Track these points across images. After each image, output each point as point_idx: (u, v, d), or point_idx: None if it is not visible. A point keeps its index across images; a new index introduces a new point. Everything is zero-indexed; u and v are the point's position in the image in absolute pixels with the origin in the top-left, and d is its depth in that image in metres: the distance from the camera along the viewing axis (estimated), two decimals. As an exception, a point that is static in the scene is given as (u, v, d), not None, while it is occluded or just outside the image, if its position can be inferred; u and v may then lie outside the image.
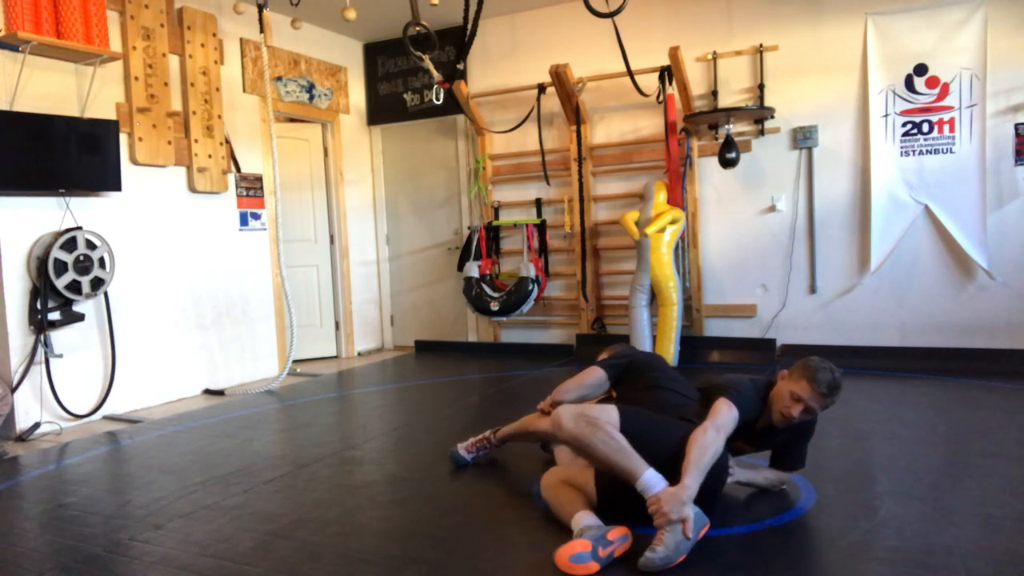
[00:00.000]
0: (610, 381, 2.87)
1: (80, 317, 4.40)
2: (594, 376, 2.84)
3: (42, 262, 4.17)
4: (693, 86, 5.57)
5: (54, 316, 4.26)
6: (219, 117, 5.30)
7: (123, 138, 4.67)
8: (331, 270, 6.63)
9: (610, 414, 2.42)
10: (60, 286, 4.20)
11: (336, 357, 6.66)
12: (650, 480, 2.27)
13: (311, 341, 6.49)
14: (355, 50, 6.85)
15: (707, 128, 5.58)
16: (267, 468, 3.34)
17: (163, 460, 3.55)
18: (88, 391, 4.53)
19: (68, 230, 4.29)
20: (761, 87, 5.40)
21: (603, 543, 2.16)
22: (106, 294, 4.55)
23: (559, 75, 5.63)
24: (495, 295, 5.97)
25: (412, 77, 6.71)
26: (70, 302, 4.35)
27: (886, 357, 5.11)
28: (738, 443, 2.69)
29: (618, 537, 2.20)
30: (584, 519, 2.30)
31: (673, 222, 5.30)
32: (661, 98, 5.49)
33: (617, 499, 2.42)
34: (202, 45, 5.20)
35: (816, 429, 2.74)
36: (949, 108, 4.95)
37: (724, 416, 2.44)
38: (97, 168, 4.37)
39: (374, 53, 6.89)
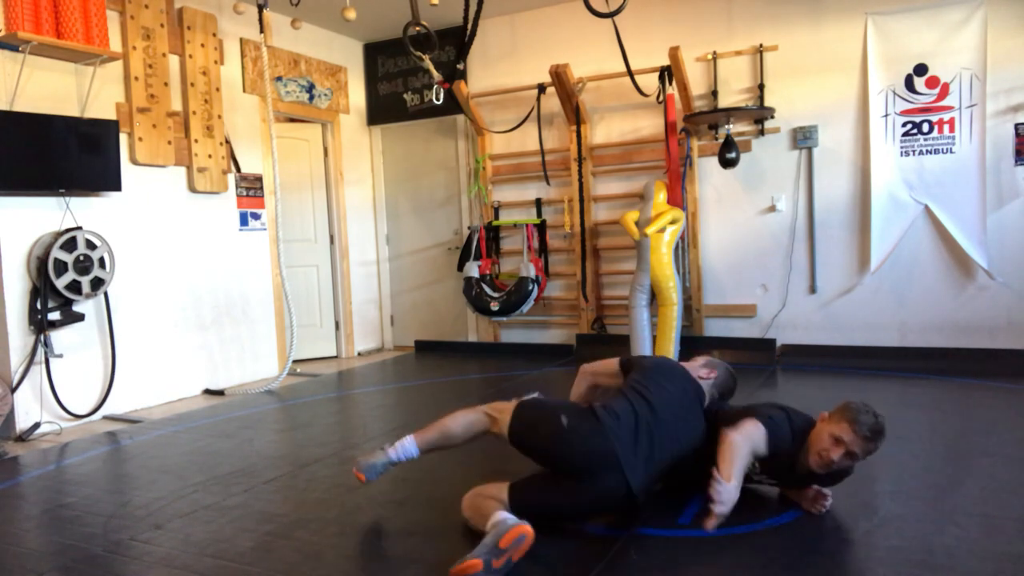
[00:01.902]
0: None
1: (80, 317, 4.40)
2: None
3: (42, 262, 4.17)
4: (693, 86, 5.57)
5: (54, 316, 4.26)
6: (219, 117, 5.30)
7: (123, 138, 4.67)
8: (331, 270, 6.63)
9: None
10: (60, 286, 4.20)
11: (336, 357, 6.66)
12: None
13: (311, 341, 6.49)
14: (355, 50, 6.85)
15: (707, 128, 5.58)
16: (267, 468, 3.34)
17: (163, 460, 3.55)
18: (88, 391, 4.53)
19: (68, 230, 4.29)
20: (761, 87, 5.40)
21: (495, 554, 2.09)
22: (106, 294, 4.55)
23: (559, 75, 5.63)
24: (495, 295, 5.97)
25: (412, 77, 6.71)
26: (70, 302, 4.35)
27: (886, 357, 5.11)
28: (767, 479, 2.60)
29: (512, 541, 2.12)
30: (496, 516, 2.24)
31: (673, 222, 5.30)
32: (661, 98, 5.49)
33: (530, 507, 2.35)
34: (202, 45, 5.20)
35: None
36: (949, 108, 4.95)
37: (750, 428, 2.37)
38: (97, 168, 4.37)
39: (374, 53, 6.89)
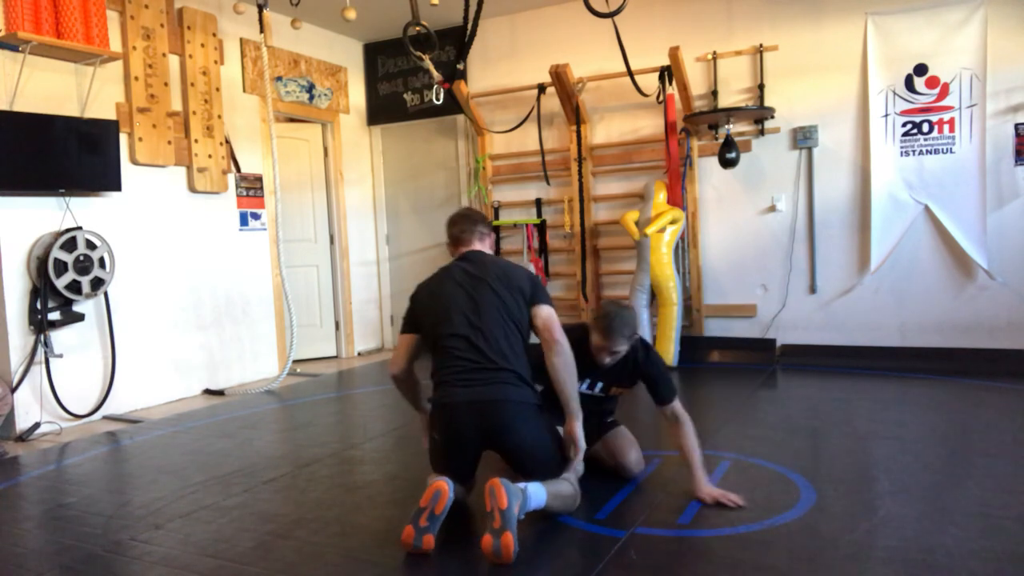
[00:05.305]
0: None
1: (80, 317, 4.40)
2: None
3: (42, 262, 4.17)
4: (693, 86, 5.57)
5: (54, 316, 4.26)
6: (219, 117, 5.30)
7: (123, 138, 4.67)
8: (331, 270, 6.63)
9: None
10: (60, 286, 4.20)
11: (336, 357, 6.66)
12: None
13: (311, 341, 6.49)
14: (355, 50, 6.85)
15: (707, 128, 5.58)
16: (267, 468, 3.34)
17: (163, 460, 3.55)
18: (88, 391, 4.53)
19: (68, 230, 4.29)
20: (761, 87, 5.40)
21: (418, 513, 2.32)
22: (106, 294, 4.55)
23: (559, 75, 5.63)
24: (495, 295, 5.96)
25: (412, 77, 6.71)
26: (70, 302, 4.35)
27: (886, 357, 5.11)
28: (614, 388, 2.95)
29: (429, 498, 2.33)
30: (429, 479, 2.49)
31: (673, 222, 5.30)
32: (661, 98, 5.49)
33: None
34: (202, 45, 5.20)
35: (816, 429, 2.73)
36: (949, 108, 4.95)
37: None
38: (97, 168, 4.37)
39: (374, 53, 6.89)
